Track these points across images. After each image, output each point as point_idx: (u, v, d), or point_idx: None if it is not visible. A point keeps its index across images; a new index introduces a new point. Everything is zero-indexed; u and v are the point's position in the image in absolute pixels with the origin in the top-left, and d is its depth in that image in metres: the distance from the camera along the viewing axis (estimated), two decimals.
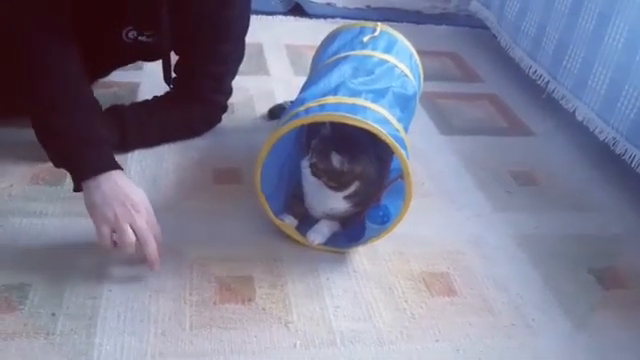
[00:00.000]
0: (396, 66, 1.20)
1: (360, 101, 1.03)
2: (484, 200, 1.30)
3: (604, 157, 1.45)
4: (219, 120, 1.40)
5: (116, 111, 1.26)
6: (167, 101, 1.33)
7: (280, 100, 1.52)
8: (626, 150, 1.33)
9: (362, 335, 0.95)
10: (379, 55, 1.20)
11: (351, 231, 1.12)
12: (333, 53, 1.24)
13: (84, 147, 1.01)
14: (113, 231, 0.95)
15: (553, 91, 1.60)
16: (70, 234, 1.06)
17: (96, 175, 0.98)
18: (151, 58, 1.40)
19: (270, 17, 2.09)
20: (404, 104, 1.14)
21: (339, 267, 1.07)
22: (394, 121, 1.04)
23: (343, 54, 1.21)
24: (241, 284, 1.01)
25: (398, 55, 1.24)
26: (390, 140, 0.97)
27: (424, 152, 1.43)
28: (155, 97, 1.34)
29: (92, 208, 0.97)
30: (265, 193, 1.07)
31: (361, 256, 1.09)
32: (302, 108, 1.02)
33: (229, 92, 1.38)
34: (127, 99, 1.43)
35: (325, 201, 1.08)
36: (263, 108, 1.51)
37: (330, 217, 1.10)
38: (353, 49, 1.23)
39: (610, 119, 1.38)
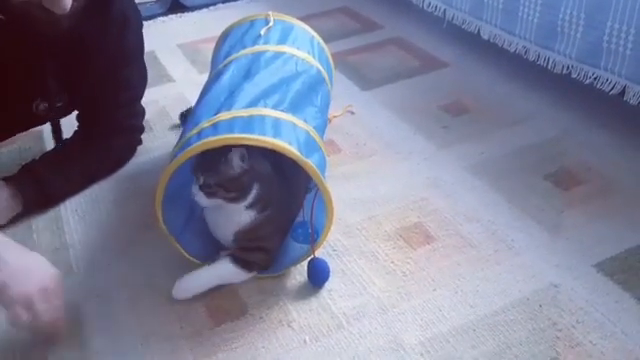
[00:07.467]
0: (294, 56, 1.11)
1: (257, 110, 0.93)
2: (426, 142, 1.32)
3: (519, 68, 1.50)
4: (140, 142, 1.33)
5: (29, 170, 1.16)
6: (81, 141, 1.24)
7: (194, 102, 1.45)
8: (539, 55, 1.38)
9: (364, 309, 0.94)
10: (273, 48, 1.11)
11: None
12: (225, 56, 1.15)
13: None
14: None
15: (452, 18, 1.62)
16: None
17: None
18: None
19: (151, 21, 1.99)
20: (312, 95, 1.06)
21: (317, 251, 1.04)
22: (300, 123, 0.95)
23: (234, 55, 1.12)
24: (229, 300, 0.97)
25: (295, 43, 1.15)
26: (294, 153, 0.88)
27: (354, 113, 1.42)
28: (66, 140, 1.25)
29: None
30: (174, 233, 0.98)
31: (334, 234, 1.07)
32: (195, 131, 0.92)
33: (142, 112, 1.32)
34: (34, 150, 1.33)
35: (230, 220, 0.97)
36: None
37: None
38: (244, 47, 1.13)
39: (515, 30, 1.42)
